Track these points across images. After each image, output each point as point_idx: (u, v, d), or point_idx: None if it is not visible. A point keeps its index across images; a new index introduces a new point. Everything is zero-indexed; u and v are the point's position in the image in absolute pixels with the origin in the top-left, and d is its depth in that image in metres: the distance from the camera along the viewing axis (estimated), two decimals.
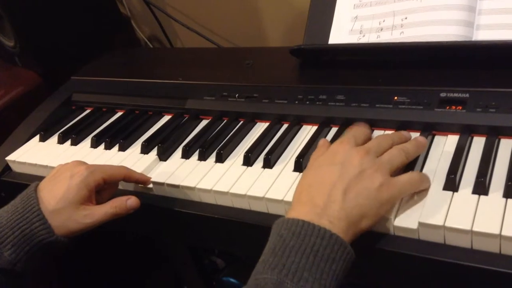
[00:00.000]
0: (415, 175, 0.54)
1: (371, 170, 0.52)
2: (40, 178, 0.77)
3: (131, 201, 0.63)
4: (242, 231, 0.63)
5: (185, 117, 0.81)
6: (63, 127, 0.87)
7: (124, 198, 0.63)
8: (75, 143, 0.82)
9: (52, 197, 0.61)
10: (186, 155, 0.72)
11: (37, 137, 0.86)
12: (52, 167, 0.77)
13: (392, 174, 0.53)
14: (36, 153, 0.82)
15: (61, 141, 0.84)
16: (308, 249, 0.47)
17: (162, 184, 0.67)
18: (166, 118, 0.84)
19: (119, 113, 0.89)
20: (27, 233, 0.59)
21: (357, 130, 0.61)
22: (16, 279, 0.61)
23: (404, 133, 0.61)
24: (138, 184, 0.69)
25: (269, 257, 0.48)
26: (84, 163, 0.65)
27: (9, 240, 0.59)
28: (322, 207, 0.50)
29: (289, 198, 0.59)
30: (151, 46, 1.38)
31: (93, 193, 0.63)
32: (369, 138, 0.60)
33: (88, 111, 0.92)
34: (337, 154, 0.55)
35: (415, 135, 0.63)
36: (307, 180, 0.55)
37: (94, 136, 0.81)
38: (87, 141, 0.82)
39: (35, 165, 0.80)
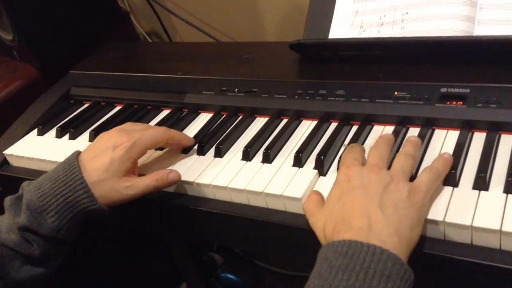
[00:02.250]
0: (432, 171, 0.52)
1: (393, 183, 0.50)
2: (38, 173, 0.77)
3: (173, 175, 0.63)
4: (240, 226, 0.63)
5: (184, 111, 0.81)
6: (61, 121, 0.87)
7: (165, 171, 0.64)
8: (73, 137, 0.82)
9: (95, 168, 0.61)
10: (184, 149, 0.71)
11: (35, 131, 0.86)
12: (50, 161, 0.77)
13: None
14: (34, 147, 0.82)
15: (59, 135, 0.83)
16: (358, 267, 0.42)
17: None
18: (165, 112, 0.84)
19: (118, 107, 0.88)
20: (70, 200, 0.60)
21: (352, 150, 0.58)
22: (58, 246, 0.62)
23: (386, 135, 0.59)
24: (181, 146, 0.70)
25: (315, 280, 0.44)
26: (126, 133, 0.64)
27: (52, 207, 0.60)
28: (367, 229, 0.46)
29: (288, 193, 0.59)
30: (150, 40, 1.37)
31: (136, 164, 0.64)
32: (364, 151, 0.59)
33: (86, 105, 0.92)
34: (351, 179, 0.52)
35: (415, 130, 0.63)
36: (333, 214, 0.50)
37: (93, 130, 0.80)
38: (85, 135, 0.82)
39: (33, 159, 0.79)
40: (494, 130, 0.59)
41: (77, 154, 0.64)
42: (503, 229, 0.47)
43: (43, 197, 0.60)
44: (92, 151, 0.64)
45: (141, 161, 0.70)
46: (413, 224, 0.48)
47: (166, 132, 0.67)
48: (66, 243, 0.63)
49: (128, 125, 0.68)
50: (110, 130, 0.66)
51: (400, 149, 0.57)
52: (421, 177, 0.52)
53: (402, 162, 0.54)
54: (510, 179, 0.51)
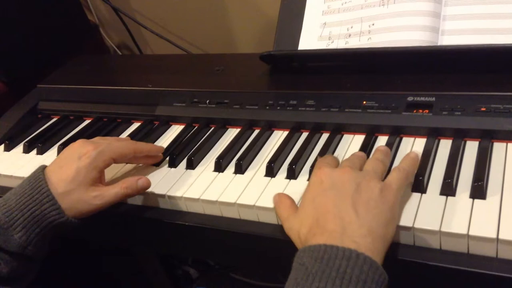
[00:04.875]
0: (400, 170, 0.53)
1: (365, 181, 0.51)
2: (6, 189, 0.75)
3: (142, 181, 0.62)
4: (214, 238, 0.63)
5: (155, 124, 0.81)
6: (28, 136, 0.85)
7: (135, 178, 0.62)
8: (41, 152, 0.80)
9: (61, 179, 0.60)
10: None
11: (1, 147, 0.84)
12: (18, 177, 0.75)
13: None
14: (0, 163, 0.80)
15: (27, 150, 0.81)
16: (334, 273, 0.42)
17: None
18: (135, 125, 0.83)
19: (87, 121, 0.87)
20: (37, 214, 0.58)
21: (326, 157, 0.59)
22: (27, 263, 0.60)
23: (357, 153, 0.60)
24: (150, 160, 0.69)
25: (291, 287, 0.44)
26: (91, 142, 0.63)
27: (19, 222, 0.58)
28: (340, 231, 0.46)
29: (260, 203, 0.59)
30: (120, 53, 1.36)
31: (103, 173, 0.63)
32: (338, 161, 0.59)
33: (54, 119, 0.90)
34: (323, 181, 0.52)
35: (383, 138, 0.65)
36: (308, 217, 0.50)
37: (61, 144, 0.79)
38: (54, 150, 0.80)
39: (0, 175, 0.77)
40: (460, 137, 0.61)
41: (43, 167, 0.62)
42: (470, 233, 0.48)
43: (9, 213, 0.58)
44: (58, 163, 0.62)
45: (111, 175, 0.69)
46: (386, 221, 0.48)
47: (133, 144, 0.67)
48: (35, 260, 0.61)
49: (96, 139, 0.67)
50: (75, 141, 0.65)
51: (370, 156, 0.58)
52: (391, 176, 0.53)
53: (373, 164, 0.55)
54: (476, 184, 0.52)
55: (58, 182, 0.60)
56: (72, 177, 0.60)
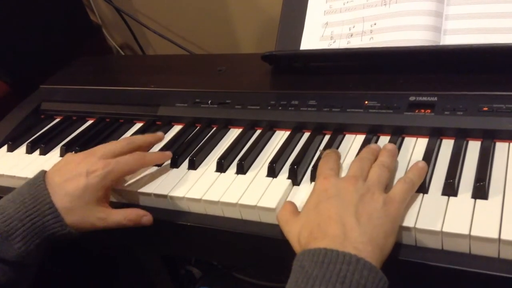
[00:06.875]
0: (406, 182, 0.53)
1: (368, 193, 0.51)
2: (8, 189, 0.75)
3: (147, 219, 0.62)
4: (215, 238, 0.63)
5: (157, 124, 0.81)
6: (31, 137, 0.85)
7: (140, 213, 0.62)
8: (44, 152, 0.81)
9: (66, 193, 0.59)
10: None
11: (4, 147, 0.84)
12: (21, 178, 0.75)
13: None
14: (3, 164, 0.80)
15: (30, 150, 0.82)
16: (334, 277, 0.43)
17: (134, 192, 0.66)
18: (137, 125, 0.83)
19: (90, 122, 0.87)
20: (38, 225, 0.57)
21: (329, 159, 0.58)
22: (24, 271, 0.59)
23: (373, 146, 0.60)
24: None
25: None
26: (101, 159, 0.62)
27: (19, 232, 0.57)
28: (342, 236, 0.46)
29: (262, 203, 0.59)
30: (123, 53, 1.37)
31: (109, 191, 0.63)
32: (339, 157, 0.60)
33: (57, 120, 0.90)
34: (328, 189, 0.52)
35: (385, 138, 0.64)
36: (309, 221, 0.50)
37: (64, 145, 0.79)
38: (57, 151, 0.80)
39: (3, 175, 0.77)
40: (462, 137, 0.60)
41: (43, 174, 0.61)
42: (472, 234, 0.48)
43: (8, 221, 0.57)
44: (63, 174, 0.61)
45: None
46: (387, 233, 0.48)
47: (142, 159, 0.65)
48: (32, 267, 0.60)
49: (101, 149, 0.65)
50: (77, 153, 0.64)
51: (377, 159, 0.58)
52: (396, 188, 0.53)
53: (378, 173, 0.55)
54: (477, 184, 0.52)
55: (64, 196, 0.59)
56: (79, 193, 0.59)
